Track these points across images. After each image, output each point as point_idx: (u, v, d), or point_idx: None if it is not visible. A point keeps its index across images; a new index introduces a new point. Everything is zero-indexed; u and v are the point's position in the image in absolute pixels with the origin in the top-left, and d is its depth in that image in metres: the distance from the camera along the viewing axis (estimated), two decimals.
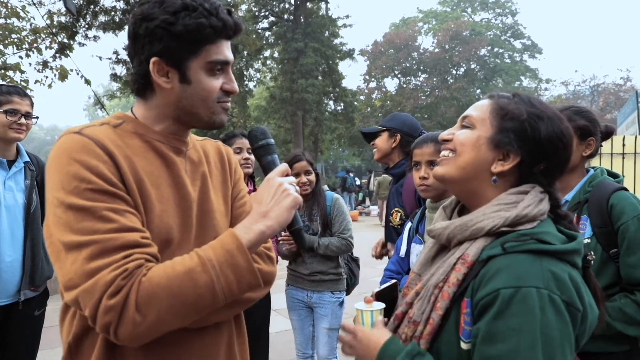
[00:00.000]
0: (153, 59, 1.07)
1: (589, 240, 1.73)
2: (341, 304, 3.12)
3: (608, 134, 1.91)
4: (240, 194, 1.34)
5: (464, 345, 0.95)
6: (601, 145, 1.96)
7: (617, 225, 1.67)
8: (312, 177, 3.03)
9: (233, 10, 1.15)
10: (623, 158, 7.16)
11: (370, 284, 2.80)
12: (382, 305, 1.16)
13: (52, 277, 6.66)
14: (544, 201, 1.02)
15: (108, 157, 1.01)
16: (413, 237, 2.22)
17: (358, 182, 20.91)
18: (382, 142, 2.78)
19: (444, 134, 1.13)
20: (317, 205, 3.05)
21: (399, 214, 2.67)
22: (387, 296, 1.23)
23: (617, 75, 50.61)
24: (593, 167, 1.92)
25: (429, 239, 1.20)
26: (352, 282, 3.25)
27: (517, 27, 35.32)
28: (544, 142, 1.02)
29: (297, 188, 1.15)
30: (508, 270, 0.91)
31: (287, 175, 1.16)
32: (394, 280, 1.28)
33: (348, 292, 3.26)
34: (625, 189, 1.77)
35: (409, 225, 2.30)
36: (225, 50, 1.13)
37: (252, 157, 2.99)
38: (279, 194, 1.09)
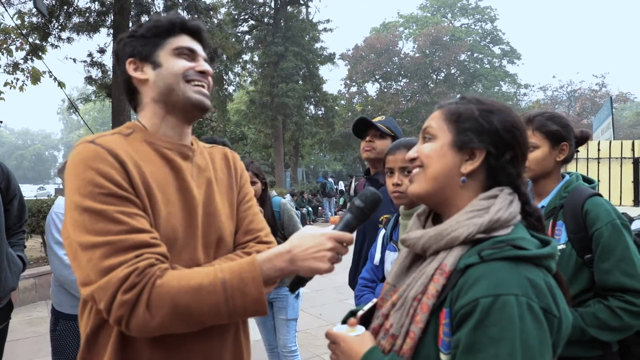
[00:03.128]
0: (128, 60, 1.26)
1: (564, 246, 1.74)
2: (297, 296, 3.26)
3: (583, 139, 1.93)
4: (246, 197, 1.41)
5: (443, 357, 0.94)
6: (577, 151, 1.97)
7: (592, 231, 1.69)
8: (257, 187, 3.15)
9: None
10: (598, 163, 7.27)
11: (349, 290, 2.81)
12: (362, 329, 1.13)
13: (20, 288, 6.37)
14: (514, 203, 1.03)
15: (119, 164, 1.11)
16: (387, 245, 2.17)
17: (342, 187, 20.87)
18: (384, 146, 2.70)
19: (410, 154, 1.14)
20: (264, 212, 3.13)
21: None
22: (371, 316, 1.20)
23: (593, 81, 51.89)
24: (569, 173, 1.93)
25: (403, 248, 1.18)
26: (294, 279, 3.30)
27: (496, 33, 35.95)
28: (501, 133, 1.04)
29: (340, 259, 1.14)
30: (486, 279, 0.90)
31: (344, 244, 1.14)
32: (375, 300, 1.23)
33: (293, 290, 3.29)
34: (600, 195, 1.77)
35: (382, 232, 2.24)
36: (188, 41, 1.28)
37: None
38: (318, 253, 1.10)
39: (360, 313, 1.18)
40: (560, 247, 1.73)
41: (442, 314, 0.95)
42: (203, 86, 1.27)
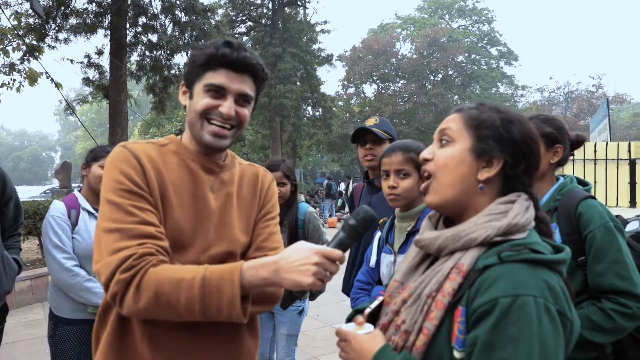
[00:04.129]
0: (182, 82, 1.39)
1: None
2: (301, 312, 3.14)
3: (579, 142, 1.94)
4: (267, 215, 1.47)
5: (457, 354, 0.95)
6: (572, 154, 1.97)
7: (585, 234, 1.69)
8: (286, 188, 2.99)
9: (247, 50, 1.33)
10: (595, 164, 7.30)
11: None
12: (371, 327, 1.14)
13: (16, 290, 6.36)
14: (530, 209, 1.05)
15: (140, 166, 1.26)
16: (383, 247, 2.17)
17: (342, 188, 20.89)
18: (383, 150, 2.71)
19: (425, 154, 1.13)
20: (288, 217, 3.00)
21: None
22: (376, 314, 1.21)
23: (590, 82, 52.02)
24: (563, 175, 1.94)
25: (412, 247, 1.20)
26: (286, 295, 3.22)
27: (493, 34, 36.06)
28: (520, 143, 1.06)
29: (329, 277, 1.14)
30: (506, 279, 0.92)
31: (334, 262, 1.14)
32: (381, 298, 1.24)
33: (313, 298, 3.25)
34: (594, 197, 1.78)
35: (378, 234, 2.24)
36: (222, 78, 1.29)
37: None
38: (302, 267, 1.11)
39: (367, 311, 1.19)
40: None
41: (458, 311, 0.97)
42: (223, 127, 1.31)
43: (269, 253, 1.36)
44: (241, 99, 1.33)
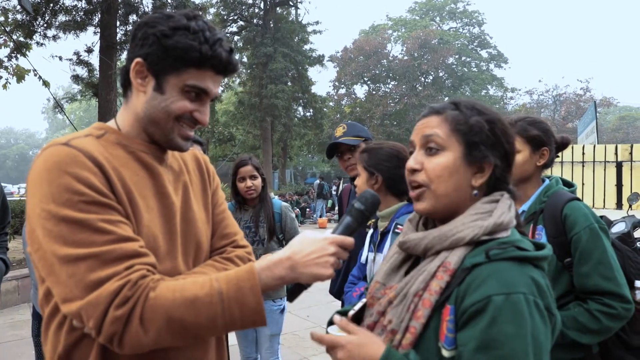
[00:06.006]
0: (136, 59, 1.10)
1: None
2: (282, 311, 3.20)
3: (564, 144, 1.95)
4: (219, 200, 1.36)
5: (445, 353, 0.95)
6: (557, 156, 1.99)
7: (570, 235, 1.71)
8: (258, 182, 3.09)
9: (233, 50, 1.16)
10: (583, 166, 7.38)
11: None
12: None
13: (2, 291, 6.28)
14: (512, 207, 1.07)
15: (97, 168, 1.03)
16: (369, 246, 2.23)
17: (334, 188, 20.90)
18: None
19: (412, 164, 1.09)
20: (264, 211, 3.10)
21: None
22: (361, 316, 1.19)
23: (578, 85, 52.57)
24: (548, 177, 1.95)
25: (393, 248, 1.19)
26: (293, 287, 3.24)
27: (483, 37, 36.28)
28: (505, 145, 1.07)
29: (340, 264, 1.10)
30: (496, 277, 0.93)
31: (344, 248, 1.10)
32: (364, 300, 1.23)
33: (292, 299, 3.26)
34: (579, 199, 1.79)
35: (370, 232, 2.28)
36: (208, 80, 1.13)
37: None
38: (320, 259, 1.06)
39: (351, 313, 1.16)
40: None
41: (446, 310, 0.97)
42: (192, 129, 1.18)
43: (235, 238, 1.32)
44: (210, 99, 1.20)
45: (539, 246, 1.04)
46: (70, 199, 0.97)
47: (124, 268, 0.96)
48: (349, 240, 1.10)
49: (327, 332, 1.10)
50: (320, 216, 18.33)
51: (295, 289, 1.15)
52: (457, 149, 1.05)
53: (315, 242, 1.07)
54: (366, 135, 2.81)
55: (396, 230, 1.97)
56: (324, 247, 1.06)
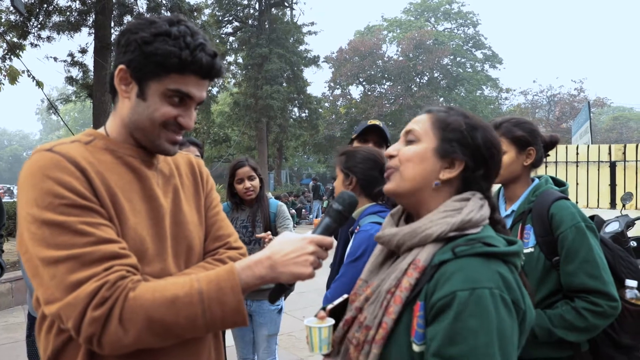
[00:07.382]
0: (120, 66, 1.12)
1: (532, 249, 1.77)
2: (279, 311, 3.19)
3: (552, 143, 1.96)
4: (213, 203, 1.37)
5: (416, 348, 0.98)
6: (548, 155, 2.00)
7: (557, 234, 1.72)
8: (256, 182, 3.12)
9: (217, 54, 1.16)
10: (577, 166, 7.41)
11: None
12: (332, 321, 1.17)
13: None
14: (484, 207, 1.09)
15: (80, 172, 1.04)
16: None
17: (331, 188, 20.91)
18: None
19: (390, 150, 1.17)
20: (261, 211, 3.12)
21: None
22: (341, 311, 1.23)
23: (572, 86, 52.86)
24: (538, 177, 1.96)
25: (377, 246, 1.23)
26: (275, 287, 3.21)
27: (478, 38, 36.37)
28: (482, 148, 1.10)
29: (321, 263, 1.12)
30: (461, 273, 0.95)
31: (324, 249, 1.12)
32: (345, 295, 1.27)
33: (274, 300, 3.25)
34: (566, 198, 1.81)
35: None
36: (191, 85, 1.13)
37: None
38: (300, 258, 1.08)
39: (329, 307, 1.23)
40: (529, 250, 1.76)
41: (417, 306, 1.00)
42: (178, 134, 1.18)
43: (229, 240, 1.33)
44: (197, 105, 1.20)
45: (511, 243, 1.06)
46: (52, 202, 0.99)
47: (103, 269, 0.97)
48: (328, 239, 1.13)
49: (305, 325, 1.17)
50: (316, 217, 18.34)
51: (277, 289, 1.17)
52: (432, 141, 1.11)
53: (294, 242, 1.10)
54: (388, 143, 2.68)
55: (356, 230, 1.95)
56: (303, 247, 1.09)
